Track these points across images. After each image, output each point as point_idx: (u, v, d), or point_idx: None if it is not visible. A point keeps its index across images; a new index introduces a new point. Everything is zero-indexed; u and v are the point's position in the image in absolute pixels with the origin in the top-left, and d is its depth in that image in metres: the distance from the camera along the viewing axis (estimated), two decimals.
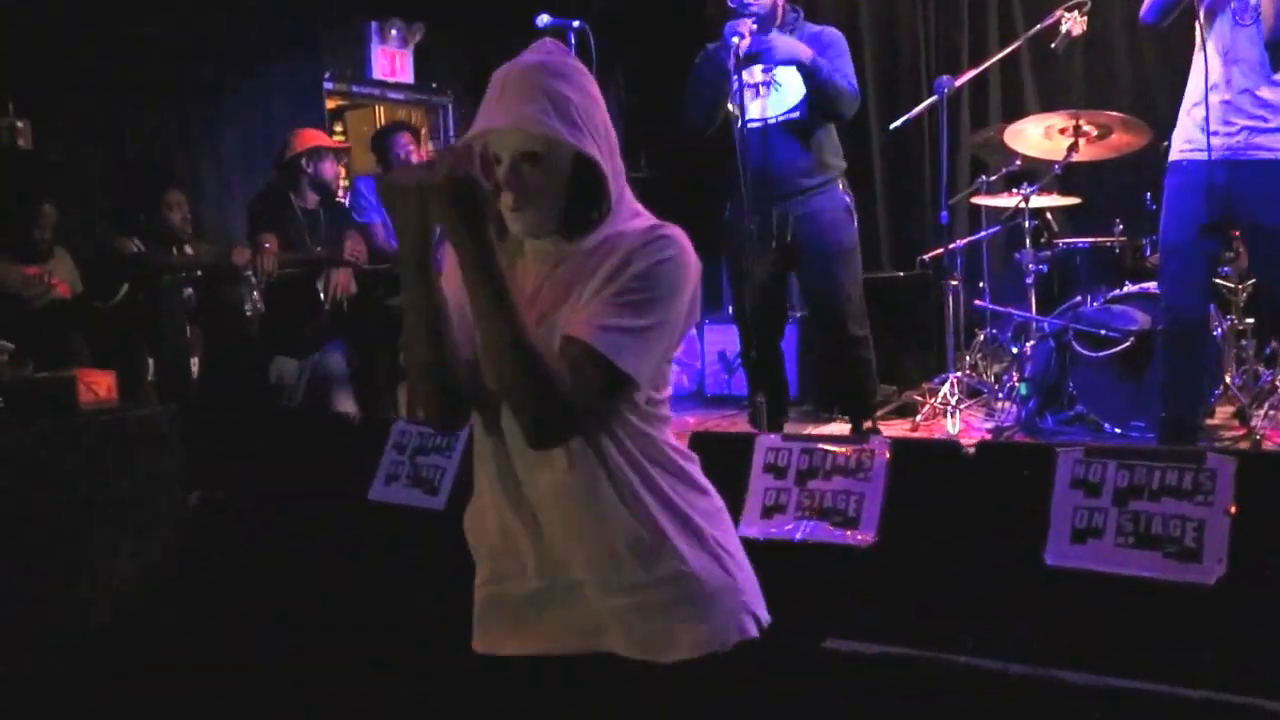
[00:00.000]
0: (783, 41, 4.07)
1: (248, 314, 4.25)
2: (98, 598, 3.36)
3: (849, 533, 2.55)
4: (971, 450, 2.55)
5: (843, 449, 2.64)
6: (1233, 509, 2.19)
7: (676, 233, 1.53)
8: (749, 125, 4.14)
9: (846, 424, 4.91)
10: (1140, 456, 2.36)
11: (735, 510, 2.73)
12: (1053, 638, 2.32)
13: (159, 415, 3.71)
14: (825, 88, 4.09)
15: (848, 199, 4.33)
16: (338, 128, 7.68)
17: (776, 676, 2.54)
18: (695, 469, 1.64)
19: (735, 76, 3.98)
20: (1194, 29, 3.60)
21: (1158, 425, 3.82)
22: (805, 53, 4.07)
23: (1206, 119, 3.51)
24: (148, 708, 3.18)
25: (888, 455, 2.58)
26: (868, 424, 4.39)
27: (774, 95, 4.22)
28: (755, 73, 4.21)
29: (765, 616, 1.64)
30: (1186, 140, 3.62)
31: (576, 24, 4.10)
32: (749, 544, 2.51)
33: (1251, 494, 2.23)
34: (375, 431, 3.61)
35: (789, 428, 4.57)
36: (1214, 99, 3.51)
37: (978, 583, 2.41)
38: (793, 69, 4.16)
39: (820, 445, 2.68)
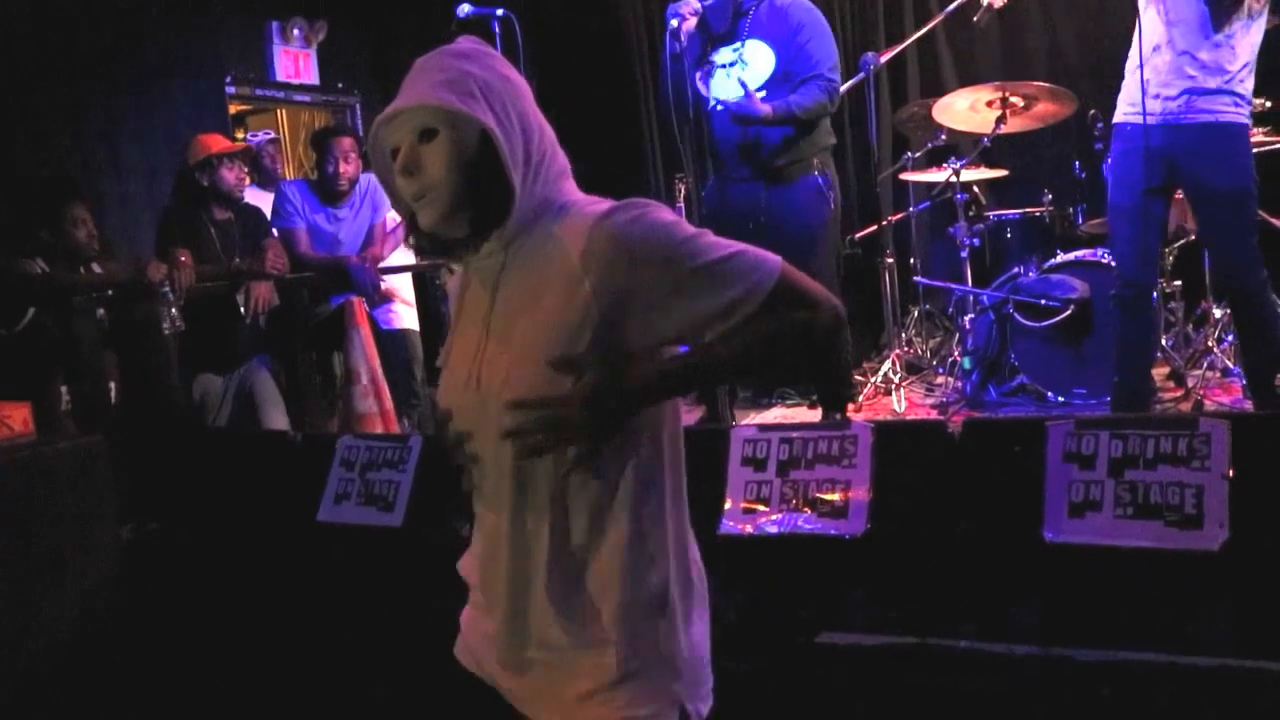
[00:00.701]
0: (743, 105, 4.00)
1: (166, 332, 4.00)
2: (33, 646, 3.12)
3: (837, 523, 2.47)
4: (958, 429, 2.49)
5: (824, 435, 2.56)
6: (1230, 472, 2.16)
7: (603, 216, 1.40)
8: (720, 106, 4.10)
9: (788, 408, 4.87)
10: (1133, 425, 2.32)
11: (715, 507, 2.64)
12: (1057, 615, 2.28)
13: (82, 447, 3.46)
14: (793, 119, 4.04)
15: (820, 180, 4.23)
16: (239, 134, 7.39)
17: (770, 674, 2.47)
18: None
19: (689, 59, 3.92)
20: None
21: (1111, 390, 3.83)
22: (763, 110, 4.00)
23: (1143, 82, 3.51)
24: None
25: (871, 440, 2.51)
26: (837, 416, 4.31)
27: (742, 74, 4.12)
28: (724, 54, 4.14)
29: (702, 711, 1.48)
30: (1130, 103, 3.61)
31: (500, 12, 3.95)
32: (733, 541, 2.44)
33: (1246, 456, 2.20)
34: (318, 448, 3.43)
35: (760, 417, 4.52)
36: (1155, 61, 3.52)
37: (976, 565, 2.35)
38: (761, 45, 4.09)
39: (800, 434, 2.60)
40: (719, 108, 4.13)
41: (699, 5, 3.95)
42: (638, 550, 1.42)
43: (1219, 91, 3.47)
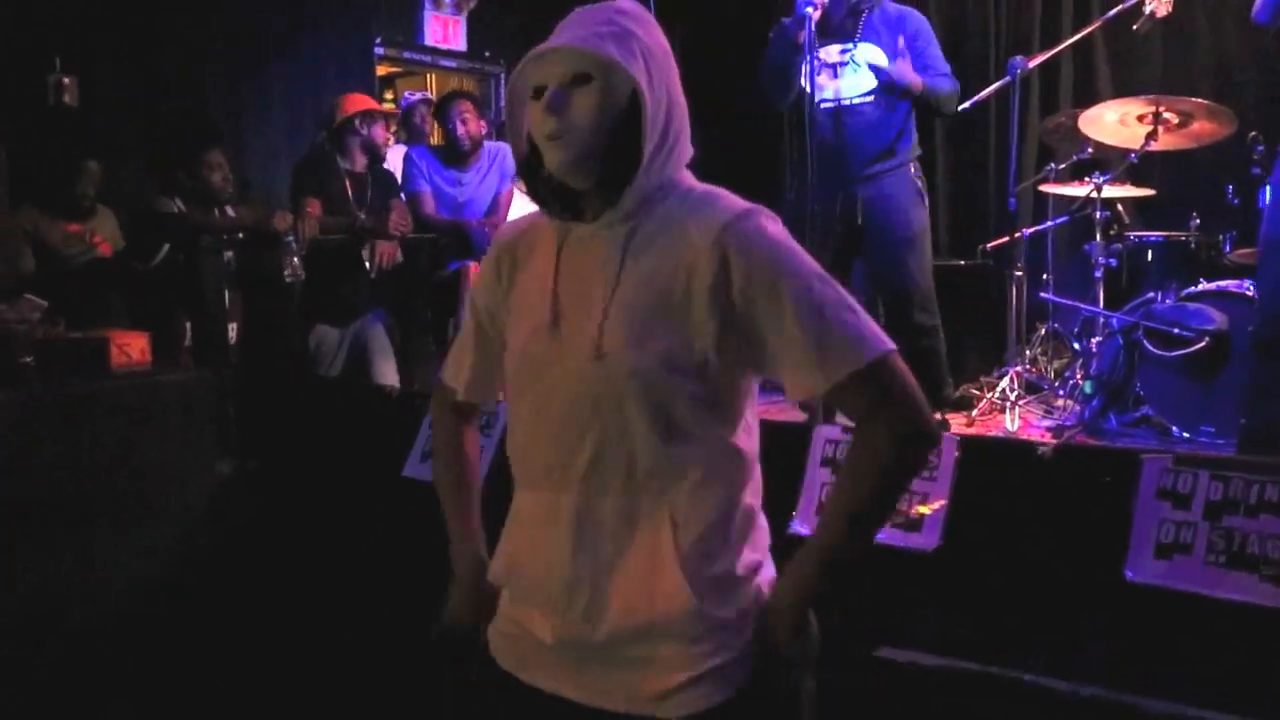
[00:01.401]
0: (895, 70, 4.01)
1: (287, 280, 4.13)
2: (127, 565, 3.27)
3: (911, 535, 2.38)
4: (1048, 452, 2.37)
5: None
6: None
7: (750, 216, 1.39)
8: (822, 104, 4.07)
9: None
10: (1236, 468, 2.17)
11: (789, 504, 2.58)
12: (1131, 659, 2.15)
13: (192, 380, 3.62)
14: (930, 99, 4.06)
15: (919, 183, 4.24)
16: (388, 95, 7.57)
17: (824, 686, 2.39)
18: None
19: (809, 52, 3.83)
20: None
21: (1238, 432, 3.60)
22: (912, 79, 4.01)
23: None
24: (173, 679, 3.11)
25: (956, 454, 2.41)
26: (936, 416, 4.19)
27: (850, 76, 4.10)
28: (832, 52, 4.09)
29: None
30: None
31: None
32: (800, 543, 2.36)
33: None
34: (413, 406, 3.49)
35: (842, 418, 4.41)
36: None
37: (1049, 595, 2.24)
38: (874, 48, 4.05)
39: None
40: (821, 105, 4.06)
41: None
42: (729, 528, 1.40)
43: None
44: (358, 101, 4.74)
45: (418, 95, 5.94)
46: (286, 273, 4.07)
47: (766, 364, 1.37)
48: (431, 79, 7.71)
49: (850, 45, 4.04)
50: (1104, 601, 2.18)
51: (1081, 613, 2.22)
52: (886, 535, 2.42)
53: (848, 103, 4.07)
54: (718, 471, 1.40)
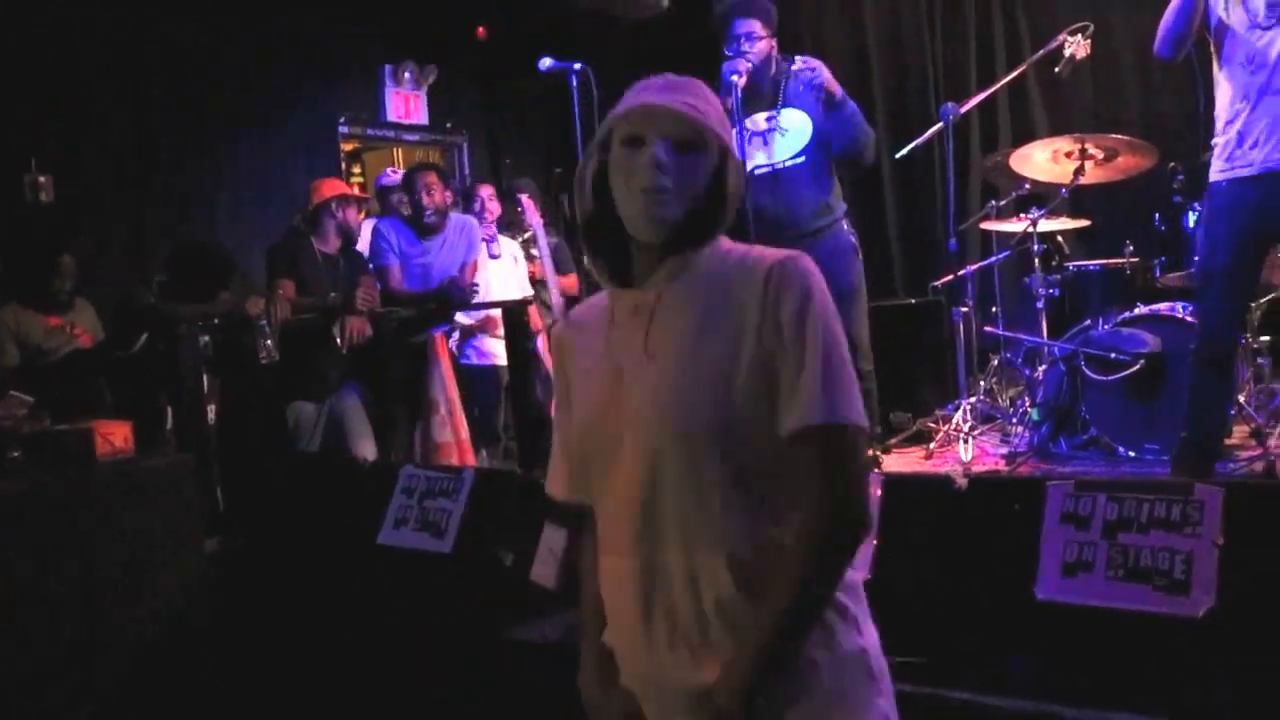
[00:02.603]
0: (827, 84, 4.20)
1: (263, 361, 4.32)
2: (116, 644, 3.42)
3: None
4: (963, 484, 2.56)
5: None
6: (1219, 540, 2.19)
7: (797, 259, 1.49)
8: (758, 171, 4.25)
9: None
10: (1130, 489, 2.36)
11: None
12: (1047, 673, 2.32)
13: (174, 465, 3.78)
14: (851, 129, 4.22)
15: (852, 238, 4.41)
16: (356, 169, 7.81)
17: None
18: None
19: (738, 119, 4.04)
20: (1206, 45, 3.55)
21: (1177, 446, 3.78)
22: (840, 91, 4.21)
23: (1239, 136, 3.41)
24: None
25: (879, 492, 2.59)
26: (870, 453, 4.42)
27: (780, 141, 4.28)
28: (759, 120, 4.29)
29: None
30: (1226, 160, 3.51)
31: (578, 66, 4.16)
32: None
33: (1239, 524, 2.22)
34: (385, 475, 3.67)
35: None
36: (1243, 112, 3.43)
37: (973, 619, 2.41)
38: (798, 113, 4.25)
39: None
40: (756, 172, 4.25)
41: (749, 66, 4.08)
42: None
43: None
44: (333, 186, 4.95)
45: (394, 177, 6.17)
46: (262, 355, 4.26)
47: (778, 391, 1.41)
48: (398, 152, 7.96)
49: (775, 112, 4.25)
50: (1020, 620, 2.36)
51: (1003, 632, 2.40)
52: None
53: (781, 166, 4.26)
54: (767, 504, 1.43)
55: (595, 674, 1.59)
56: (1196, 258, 3.98)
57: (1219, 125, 3.54)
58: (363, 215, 5.19)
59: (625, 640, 1.53)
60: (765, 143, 4.27)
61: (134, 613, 3.47)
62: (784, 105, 4.26)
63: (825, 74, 4.21)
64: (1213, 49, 3.55)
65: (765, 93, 4.26)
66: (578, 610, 1.68)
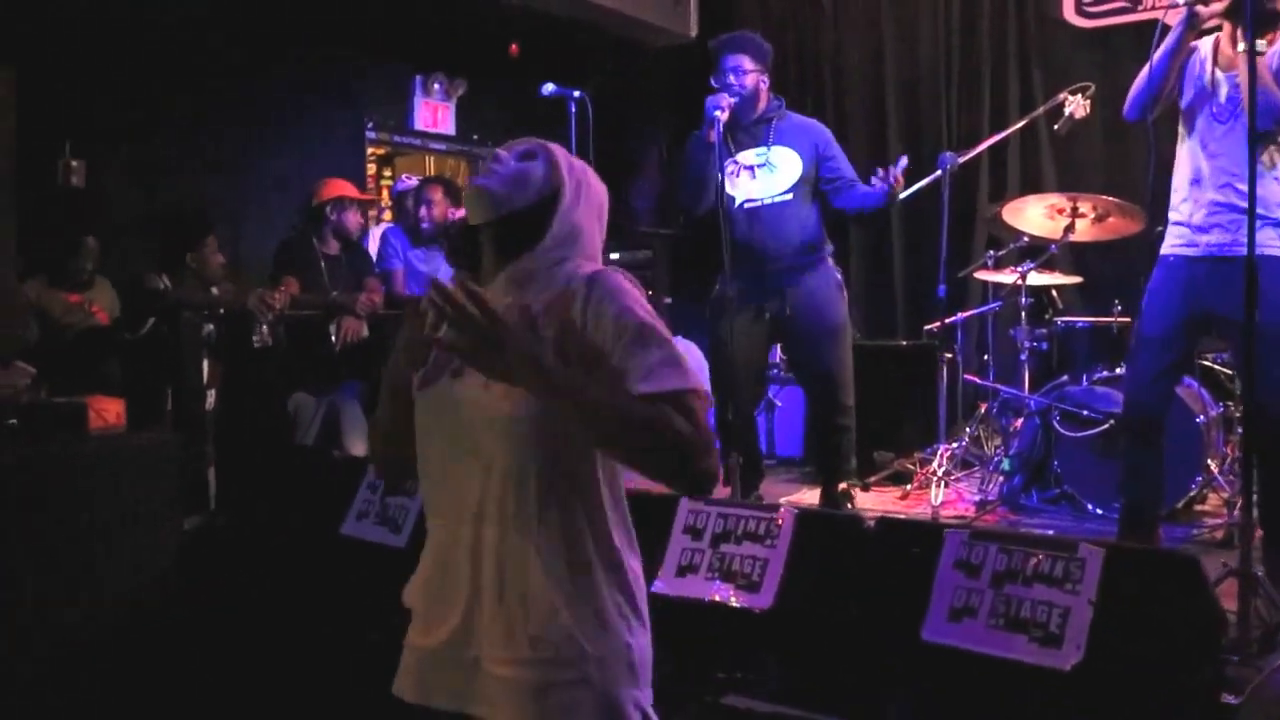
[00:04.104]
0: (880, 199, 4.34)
1: (255, 346, 4.53)
2: (93, 608, 3.61)
3: (750, 595, 2.68)
4: (871, 525, 2.67)
5: (754, 515, 2.79)
6: (1094, 597, 2.29)
7: (610, 271, 1.64)
8: (745, 205, 4.38)
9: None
10: (1021, 542, 2.46)
11: (653, 567, 2.89)
12: (924, 711, 2.43)
13: (161, 443, 3.97)
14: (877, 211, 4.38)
15: (838, 275, 4.52)
16: (387, 172, 8.03)
17: None
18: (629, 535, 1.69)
19: (720, 154, 4.17)
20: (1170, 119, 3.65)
21: (1120, 511, 3.85)
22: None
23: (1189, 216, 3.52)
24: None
25: (793, 524, 2.72)
26: (842, 486, 4.51)
27: (769, 177, 4.39)
28: (749, 155, 4.41)
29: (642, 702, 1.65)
30: (1176, 236, 3.60)
31: (577, 94, 4.32)
32: (660, 600, 2.69)
33: (1117, 584, 2.32)
34: (355, 470, 3.84)
35: (765, 488, 4.72)
36: (1196, 194, 3.53)
37: (860, 652, 2.53)
38: (789, 151, 4.37)
39: (735, 510, 2.83)
40: (745, 206, 4.38)
41: (733, 100, 4.23)
42: (587, 563, 1.59)
43: (1265, 224, 3.37)
44: (334, 188, 5.15)
45: (410, 184, 6.37)
46: (255, 340, 4.46)
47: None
48: (429, 160, 8.18)
49: (766, 148, 4.37)
50: (905, 659, 2.47)
51: (889, 668, 2.51)
52: (729, 595, 2.73)
53: (769, 201, 4.37)
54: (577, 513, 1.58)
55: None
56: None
57: (1174, 199, 3.63)
58: (370, 215, 5.35)
59: (439, 597, 1.65)
60: (754, 176, 4.40)
61: (106, 577, 3.65)
62: (775, 142, 4.38)
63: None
64: (1181, 127, 3.64)
65: (754, 129, 4.40)
66: None
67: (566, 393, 1.50)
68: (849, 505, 4.43)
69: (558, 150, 1.70)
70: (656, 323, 1.59)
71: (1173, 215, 3.65)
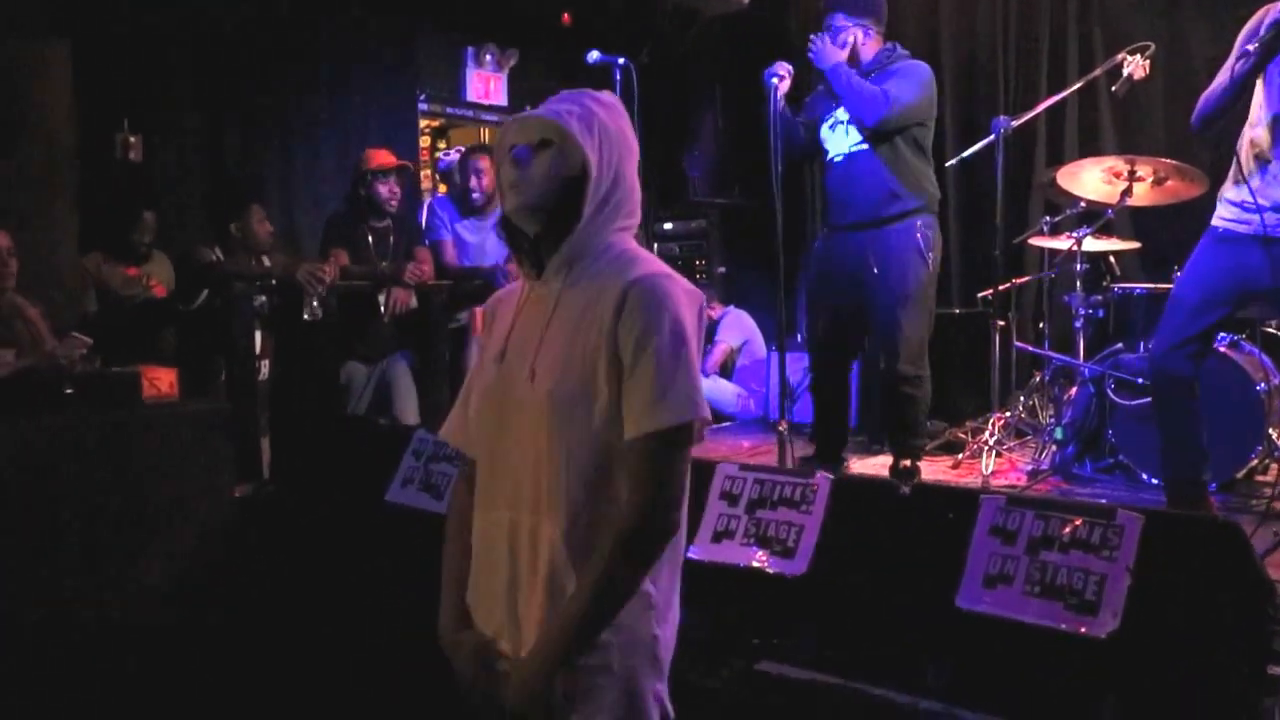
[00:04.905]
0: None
1: (306, 319, 4.59)
2: (145, 571, 3.70)
3: (785, 561, 2.67)
4: (907, 491, 2.64)
5: (790, 481, 2.76)
6: (1132, 564, 2.24)
7: (656, 277, 1.62)
8: (832, 159, 4.46)
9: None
10: (1056, 508, 2.41)
11: (690, 532, 2.88)
12: (960, 678, 2.40)
13: (213, 412, 4.05)
14: (843, 93, 4.28)
15: (920, 238, 4.40)
16: (441, 144, 8.07)
17: (714, 693, 2.70)
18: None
19: (777, 119, 4.20)
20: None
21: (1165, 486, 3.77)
22: (825, 62, 4.29)
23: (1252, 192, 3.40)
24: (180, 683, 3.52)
25: (829, 490, 2.69)
26: (905, 463, 4.45)
27: (849, 129, 4.40)
28: (840, 110, 4.41)
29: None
30: (1232, 208, 3.52)
31: (622, 61, 4.30)
32: (695, 566, 2.69)
33: (1156, 551, 2.27)
34: (396, 437, 3.88)
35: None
36: (1260, 170, 3.44)
37: (894, 619, 2.50)
38: None
39: (771, 477, 2.81)
40: (834, 159, 4.45)
41: (791, 67, 4.27)
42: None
43: None
44: (370, 159, 5.17)
45: (452, 158, 6.38)
46: (305, 314, 4.52)
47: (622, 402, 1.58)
48: (483, 130, 8.19)
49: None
50: (939, 626, 2.44)
51: (925, 636, 2.48)
52: (764, 561, 2.72)
53: (847, 153, 4.40)
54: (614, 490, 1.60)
55: (454, 618, 1.74)
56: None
57: (1231, 172, 3.52)
58: (402, 184, 5.29)
59: (484, 590, 1.69)
60: (837, 131, 4.43)
61: (159, 545, 3.74)
62: None
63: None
64: (1262, 94, 3.50)
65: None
66: None
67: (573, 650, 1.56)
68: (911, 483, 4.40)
69: (573, 117, 1.65)
70: (682, 345, 1.58)
71: (1230, 187, 3.54)
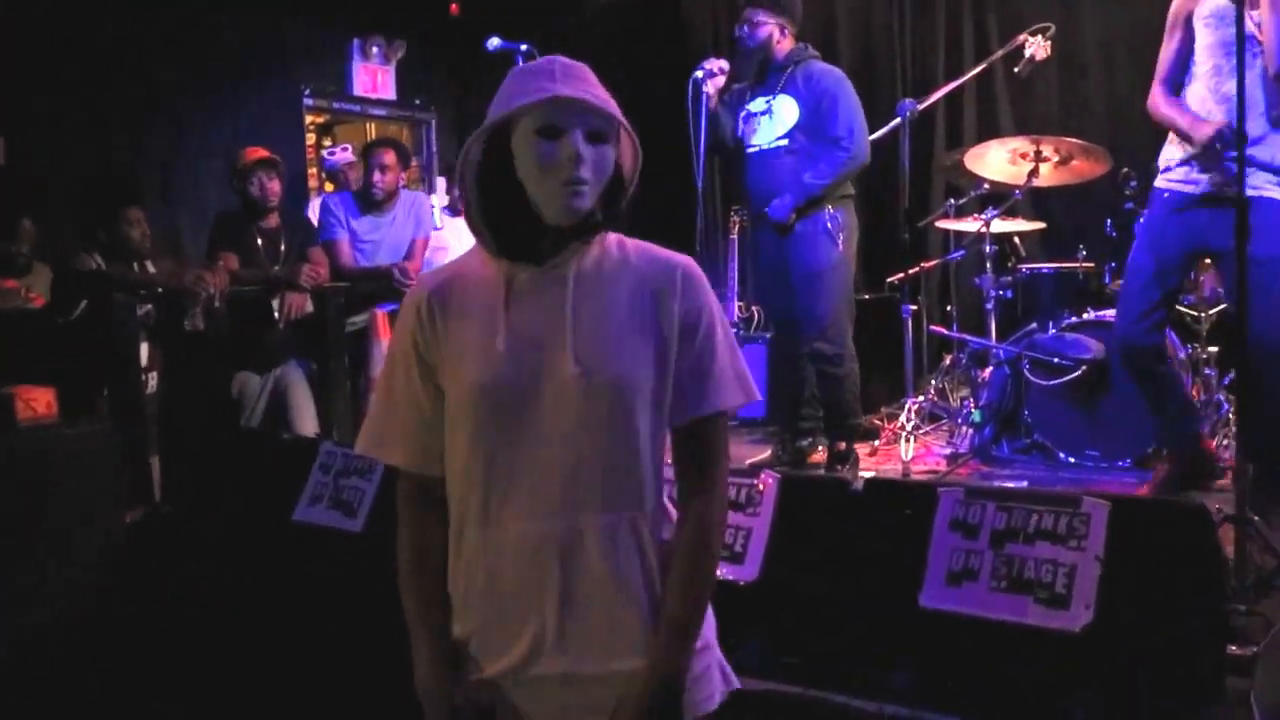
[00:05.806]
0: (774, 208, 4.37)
1: (186, 329, 4.30)
2: (34, 604, 3.40)
3: (734, 568, 2.54)
4: (859, 488, 2.54)
5: (733, 480, 2.63)
6: (1102, 554, 2.17)
7: (689, 261, 1.58)
8: (749, 151, 4.50)
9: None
10: (1019, 499, 2.33)
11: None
12: (929, 680, 2.30)
13: (96, 433, 3.75)
14: (827, 193, 4.37)
15: (829, 221, 4.41)
16: (327, 141, 7.74)
17: None
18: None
19: (702, 114, 4.25)
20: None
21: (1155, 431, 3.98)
22: (789, 217, 4.35)
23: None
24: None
25: (776, 490, 2.57)
26: (840, 445, 4.43)
27: (768, 123, 4.45)
28: (759, 103, 4.47)
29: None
30: (1179, 168, 3.54)
31: (524, 47, 4.11)
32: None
33: (1122, 538, 2.20)
34: (305, 451, 3.64)
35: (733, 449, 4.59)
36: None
37: (854, 624, 2.40)
38: (789, 99, 4.40)
39: None
40: (749, 152, 4.49)
41: (726, 65, 4.32)
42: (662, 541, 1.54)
43: (1266, 168, 3.37)
44: (244, 155, 4.89)
45: (342, 156, 6.08)
46: (187, 323, 4.24)
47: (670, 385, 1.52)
48: (370, 125, 7.90)
49: (771, 97, 4.42)
50: (903, 628, 2.34)
51: (887, 638, 2.38)
52: None
53: (767, 147, 4.43)
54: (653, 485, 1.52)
55: (439, 664, 1.56)
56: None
57: (1172, 135, 3.56)
58: (279, 174, 5.00)
59: (512, 621, 1.52)
60: (757, 125, 4.47)
61: (42, 579, 3.43)
62: (782, 91, 4.42)
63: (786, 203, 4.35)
64: (1194, 67, 3.50)
65: (772, 76, 4.45)
66: None
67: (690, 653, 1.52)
68: (846, 466, 4.36)
69: (597, 81, 1.52)
70: (728, 326, 1.60)
71: (1172, 149, 3.57)
